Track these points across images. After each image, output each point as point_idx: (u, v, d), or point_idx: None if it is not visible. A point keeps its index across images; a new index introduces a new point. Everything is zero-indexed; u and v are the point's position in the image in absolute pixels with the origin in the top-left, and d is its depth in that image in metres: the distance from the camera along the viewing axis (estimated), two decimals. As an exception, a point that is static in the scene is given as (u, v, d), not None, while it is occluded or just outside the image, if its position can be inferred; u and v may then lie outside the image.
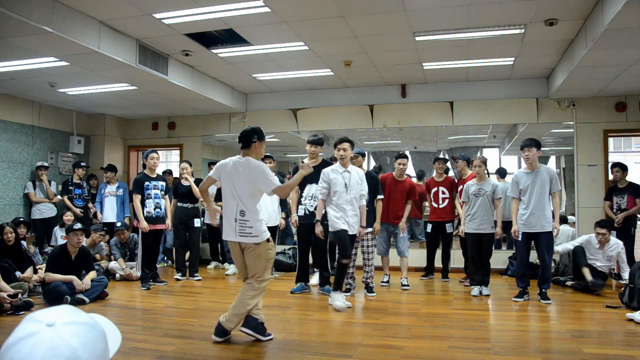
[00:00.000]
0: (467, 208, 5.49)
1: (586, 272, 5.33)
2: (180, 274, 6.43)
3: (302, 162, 4.18)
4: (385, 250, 5.88)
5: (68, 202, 7.23)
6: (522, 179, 5.08)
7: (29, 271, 5.31)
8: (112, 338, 0.96)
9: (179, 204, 6.49)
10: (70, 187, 7.38)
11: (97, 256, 6.40)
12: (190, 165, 6.72)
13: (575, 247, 5.56)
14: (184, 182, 6.50)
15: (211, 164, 7.30)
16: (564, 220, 6.97)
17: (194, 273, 6.41)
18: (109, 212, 7.44)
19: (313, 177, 5.32)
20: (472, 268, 5.48)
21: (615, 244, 5.48)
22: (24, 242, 5.68)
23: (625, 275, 5.28)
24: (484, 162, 5.47)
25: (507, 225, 5.60)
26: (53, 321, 0.80)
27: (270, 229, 6.21)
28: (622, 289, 4.80)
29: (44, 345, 0.76)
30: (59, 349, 0.77)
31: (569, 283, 5.67)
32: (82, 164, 7.63)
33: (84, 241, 5.32)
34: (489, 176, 5.66)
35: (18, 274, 5.11)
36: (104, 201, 7.49)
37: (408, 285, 5.69)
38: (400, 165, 5.78)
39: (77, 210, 7.18)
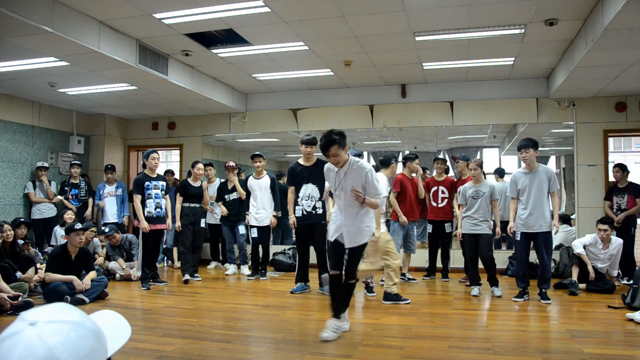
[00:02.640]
0: (464, 210, 5.50)
1: (574, 272, 5.52)
2: (187, 275, 6.23)
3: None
4: (398, 250, 5.88)
5: (67, 203, 7.24)
6: (521, 179, 5.08)
7: (30, 271, 5.30)
8: (119, 332, 0.95)
9: (187, 204, 6.36)
10: (66, 188, 7.39)
11: (97, 257, 6.39)
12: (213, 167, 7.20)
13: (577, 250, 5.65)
14: (194, 183, 6.43)
15: (208, 164, 7.29)
16: (566, 220, 6.96)
17: (194, 273, 6.40)
18: (110, 213, 7.43)
19: (308, 177, 5.35)
20: (470, 268, 5.48)
21: (617, 241, 5.58)
22: (20, 241, 5.66)
23: (613, 273, 5.62)
24: (480, 165, 5.50)
25: (505, 225, 5.59)
26: (36, 320, 0.78)
27: (263, 228, 6.31)
28: (628, 290, 4.78)
29: (22, 345, 0.75)
30: (35, 349, 0.75)
31: (582, 286, 5.41)
32: (73, 162, 7.58)
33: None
34: (485, 178, 5.67)
35: (19, 274, 5.11)
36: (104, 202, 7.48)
37: (415, 279, 5.77)
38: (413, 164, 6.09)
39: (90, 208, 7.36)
